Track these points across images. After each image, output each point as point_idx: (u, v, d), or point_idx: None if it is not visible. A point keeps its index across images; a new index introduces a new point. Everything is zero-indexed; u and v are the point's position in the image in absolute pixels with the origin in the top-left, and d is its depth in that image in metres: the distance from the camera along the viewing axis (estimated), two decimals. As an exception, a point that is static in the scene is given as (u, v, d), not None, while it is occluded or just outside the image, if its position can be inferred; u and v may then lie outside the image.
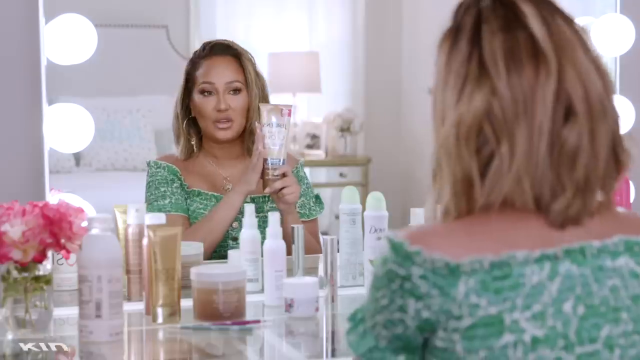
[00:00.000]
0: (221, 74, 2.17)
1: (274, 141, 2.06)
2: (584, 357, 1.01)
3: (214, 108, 2.15)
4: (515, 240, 1.03)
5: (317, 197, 2.24)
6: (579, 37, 1.07)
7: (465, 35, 1.06)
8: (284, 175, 2.05)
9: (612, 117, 1.06)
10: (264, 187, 2.07)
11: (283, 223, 1.95)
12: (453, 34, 1.08)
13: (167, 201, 2.11)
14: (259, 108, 2.11)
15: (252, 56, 2.21)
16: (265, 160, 2.06)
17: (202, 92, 2.17)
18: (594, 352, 1.01)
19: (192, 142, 2.20)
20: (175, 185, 2.14)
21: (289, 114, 2.07)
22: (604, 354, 1.01)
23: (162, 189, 2.14)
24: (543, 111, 1.02)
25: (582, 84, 1.04)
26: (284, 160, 2.06)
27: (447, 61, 1.07)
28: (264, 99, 2.19)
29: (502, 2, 1.07)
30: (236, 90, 2.16)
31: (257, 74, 2.19)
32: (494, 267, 1.00)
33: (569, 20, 1.08)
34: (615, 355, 1.02)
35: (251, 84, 2.16)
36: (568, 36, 1.06)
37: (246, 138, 2.18)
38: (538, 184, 1.03)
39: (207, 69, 2.18)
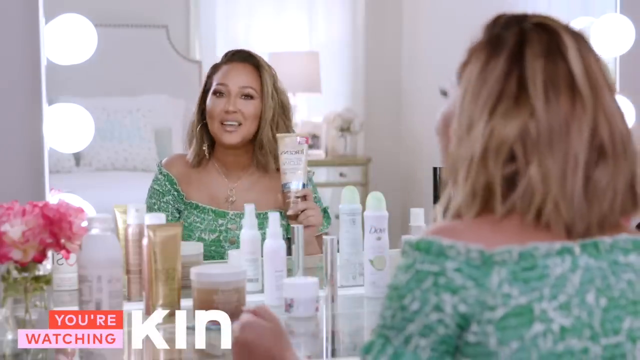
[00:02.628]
0: (236, 77, 2.18)
1: (291, 166, 2.09)
2: (609, 348, 1.04)
3: (222, 109, 2.15)
4: (536, 238, 1.06)
5: (325, 210, 2.23)
6: (605, 77, 1.11)
7: (506, 51, 1.09)
8: (305, 197, 2.07)
9: (632, 157, 1.10)
10: (286, 210, 2.09)
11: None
12: (491, 47, 1.10)
13: None
14: (275, 138, 2.14)
15: (274, 73, 2.21)
16: (284, 184, 2.09)
17: (215, 93, 2.18)
18: (618, 344, 1.04)
19: (204, 148, 2.20)
20: (166, 198, 2.16)
21: (307, 142, 2.11)
22: (627, 346, 1.04)
23: (152, 201, 2.17)
24: (579, 143, 1.06)
25: (608, 124, 1.08)
26: (304, 184, 2.08)
27: (480, 73, 1.09)
28: (284, 115, 2.19)
29: (545, 28, 1.10)
30: (248, 96, 2.16)
31: (277, 89, 2.19)
32: (521, 258, 1.03)
33: (599, 60, 1.12)
34: (637, 347, 1.05)
35: (266, 95, 2.16)
36: (599, 77, 1.09)
37: (256, 149, 2.18)
38: (572, 213, 1.06)
39: (224, 73, 2.19)
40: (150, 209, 2.14)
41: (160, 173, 2.18)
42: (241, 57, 2.21)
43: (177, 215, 2.16)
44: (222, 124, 2.16)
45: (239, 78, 2.17)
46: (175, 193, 2.16)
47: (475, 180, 1.07)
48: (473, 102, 1.09)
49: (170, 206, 2.15)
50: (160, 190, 2.16)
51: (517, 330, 1.01)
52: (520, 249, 1.03)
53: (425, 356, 1.03)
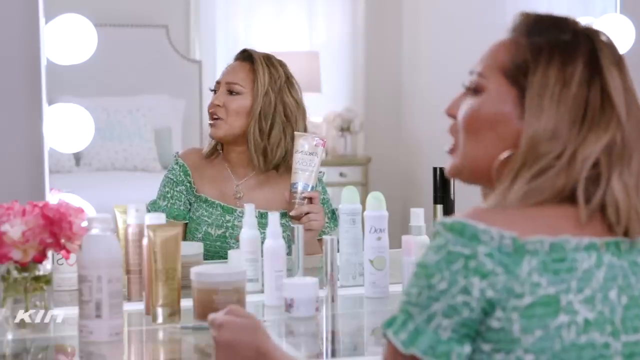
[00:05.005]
0: (227, 74, 2.22)
1: (304, 167, 2.09)
2: (629, 345, 1.05)
3: (210, 103, 2.20)
4: (566, 229, 1.07)
5: (333, 212, 2.22)
6: None
7: (582, 57, 1.12)
8: (310, 200, 2.08)
9: None
10: (290, 209, 2.09)
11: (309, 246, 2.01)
12: (562, 50, 1.12)
13: (164, 203, 2.15)
14: (292, 136, 2.15)
15: (282, 73, 2.20)
16: (293, 184, 2.09)
17: (213, 90, 2.23)
18: (637, 342, 1.06)
19: (218, 148, 2.23)
20: (179, 188, 2.17)
21: (323, 145, 2.11)
22: None
23: (166, 189, 2.18)
24: None
25: None
26: (312, 186, 2.09)
27: (559, 75, 1.11)
28: (285, 115, 2.18)
29: (602, 36, 1.15)
30: (235, 92, 2.18)
31: (278, 89, 2.17)
32: (552, 249, 1.05)
33: None
34: None
35: (258, 92, 2.16)
36: None
37: (249, 146, 2.17)
38: None
39: (222, 71, 2.24)
40: (163, 197, 2.16)
41: (176, 163, 2.21)
42: (240, 56, 2.23)
43: (189, 207, 2.17)
44: (211, 118, 2.20)
45: (229, 75, 2.21)
46: (188, 184, 2.18)
47: (549, 181, 1.08)
48: (554, 107, 1.10)
49: (183, 196, 2.17)
50: (175, 180, 2.18)
51: (542, 320, 1.03)
52: (551, 239, 1.05)
53: (445, 336, 1.04)
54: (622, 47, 2.38)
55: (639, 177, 1.10)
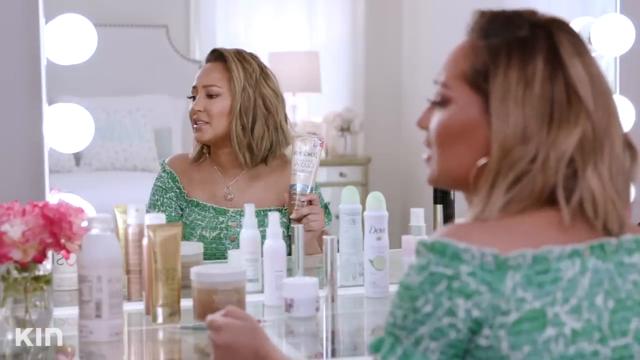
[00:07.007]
0: (202, 77, 2.19)
1: (302, 168, 2.10)
2: (618, 350, 1.04)
3: (191, 110, 2.18)
4: (549, 235, 1.05)
5: (326, 206, 2.23)
6: None
7: (541, 53, 1.08)
8: (310, 202, 2.08)
9: None
10: (290, 212, 2.10)
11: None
12: (520, 49, 1.09)
13: (155, 211, 2.14)
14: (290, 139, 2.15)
15: (256, 67, 2.18)
16: (292, 185, 2.09)
17: (191, 97, 2.20)
18: (626, 346, 1.04)
19: (204, 152, 2.22)
20: (169, 195, 2.16)
21: (321, 145, 2.12)
22: (635, 347, 1.05)
23: (156, 198, 2.18)
24: (618, 141, 1.09)
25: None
26: (312, 188, 2.09)
27: (520, 76, 1.07)
28: (265, 109, 2.16)
29: (561, 26, 1.11)
30: (214, 95, 2.16)
31: (255, 84, 2.15)
32: (535, 262, 1.03)
33: None
34: None
35: (235, 91, 2.15)
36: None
37: (233, 145, 2.16)
38: (621, 210, 1.08)
39: (196, 75, 2.21)
40: (154, 206, 2.15)
41: (164, 171, 2.20)
42: (212, 57, 2.22)
43: (180, 212, 2.17)
44: (195, 123, 2.17)
45: (204, 78, 2.18)
46: (178, 190, 2.18)
47: (527, 186, 1.06)
48: (520, 109, 1.07)
49: (173, 202, 2.17)
50: (164, 187, 2.18)
51: (530, 335, 1.01)
52: (533, 252, 1.03)
53: (434, 359, 1.02)
54: (622, 47, 2.39)
55: (612, 165, 1.07)
